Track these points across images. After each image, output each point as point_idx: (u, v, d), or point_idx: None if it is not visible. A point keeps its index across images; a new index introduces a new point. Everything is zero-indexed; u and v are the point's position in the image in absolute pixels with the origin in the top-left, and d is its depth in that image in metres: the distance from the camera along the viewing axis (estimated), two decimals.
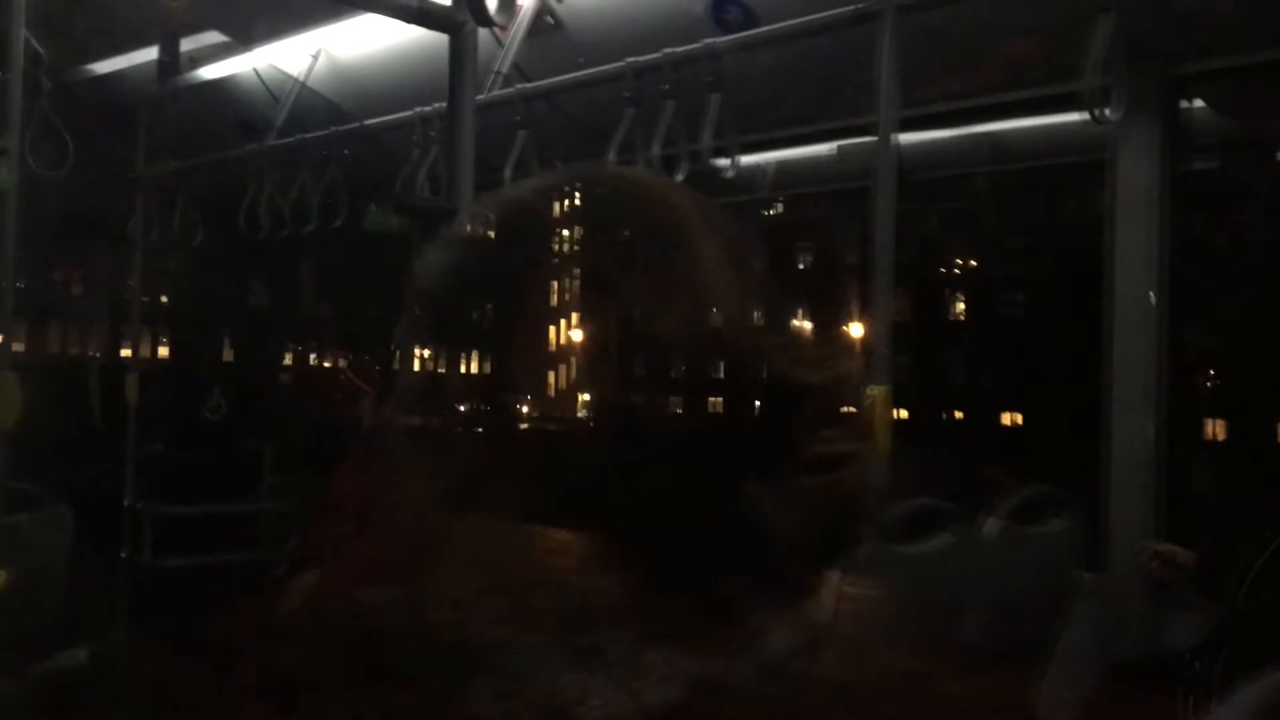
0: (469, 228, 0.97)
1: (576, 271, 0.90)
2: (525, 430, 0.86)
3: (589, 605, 0.74)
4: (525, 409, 0.86)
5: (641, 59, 4.49)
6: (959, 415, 11.09)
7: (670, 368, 0.86)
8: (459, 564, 0.78)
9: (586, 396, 0.85)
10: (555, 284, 0.88)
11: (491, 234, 0.94)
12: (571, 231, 0.91)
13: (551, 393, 0.86)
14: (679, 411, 0.85)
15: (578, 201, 0.91)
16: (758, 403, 0.86)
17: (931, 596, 3.73)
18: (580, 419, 0.86)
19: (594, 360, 0.87)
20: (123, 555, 5.53)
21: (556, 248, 0.90)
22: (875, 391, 3.71)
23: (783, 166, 6.43)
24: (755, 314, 0.88)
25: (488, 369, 0.88)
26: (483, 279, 0.90)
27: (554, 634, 0.73)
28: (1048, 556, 4.16)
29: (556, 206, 0.90)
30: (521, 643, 0.73)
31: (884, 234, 3.83)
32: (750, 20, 4.38)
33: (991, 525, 4.02)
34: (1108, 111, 3.63)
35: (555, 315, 0.92)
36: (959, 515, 3.95)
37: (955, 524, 3.91)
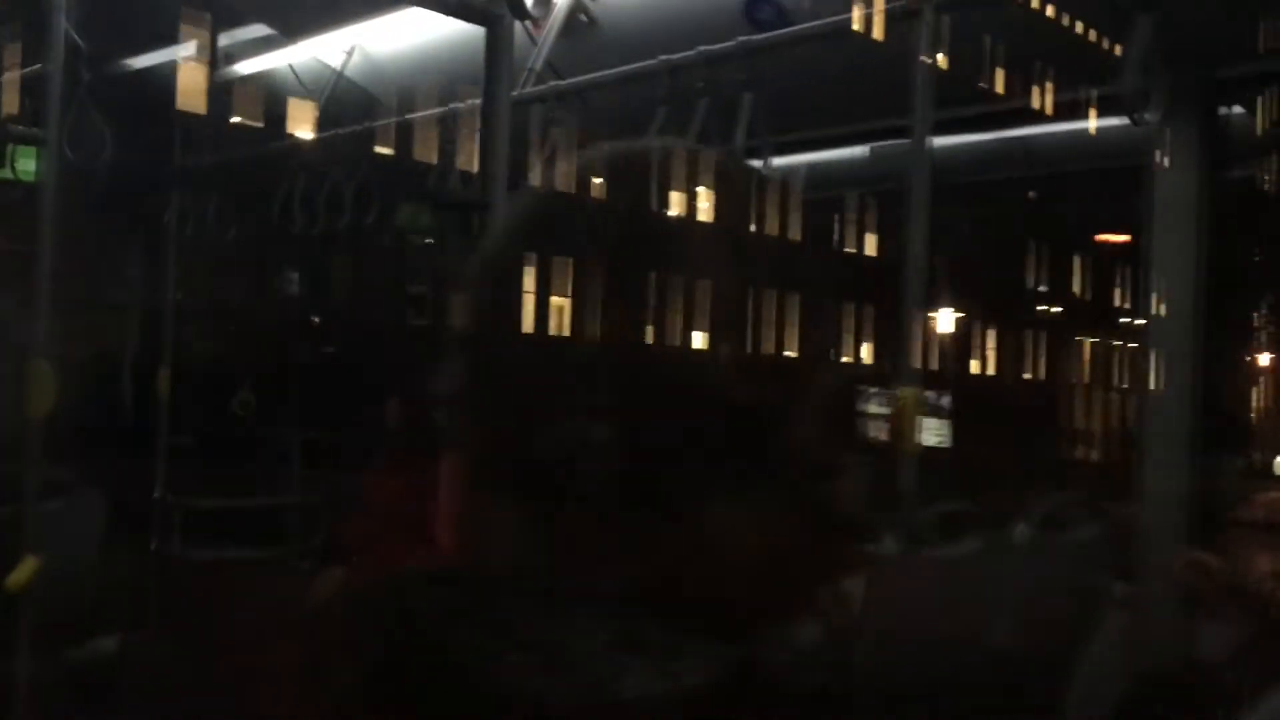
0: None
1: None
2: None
3: (625, 587, 0.73)
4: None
5: (675, 57, 4.48)
6: None
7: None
8: (489, 545, 0.78)
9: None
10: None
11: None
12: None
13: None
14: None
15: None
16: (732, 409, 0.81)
17: (960, 601, 3.71)
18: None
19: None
20: (151, 547, 5.57)
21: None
22: (905, 394, 3.70)
23: (814, 168, 6.41)
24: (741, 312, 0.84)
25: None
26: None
27: (591, 614, 0.72)
28: (1078, 564, 4.12)
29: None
30: (559, 622, 0.72)
31: (917, 237, 3.81)
32: (784, 19, 4.37)
33: (1022, 531, 3.98)
34: (1147, 115, 3.59)
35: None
36: (990, 520, 3.92)
37: (986, 529, 3.88)
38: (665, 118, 4.49)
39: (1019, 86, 4.45)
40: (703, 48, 4.40)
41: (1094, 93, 4.16)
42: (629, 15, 4.92)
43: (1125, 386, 6.19)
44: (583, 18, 4.93)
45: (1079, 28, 3.96)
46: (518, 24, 3.94)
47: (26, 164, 3.75)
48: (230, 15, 5.48)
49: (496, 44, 3.70)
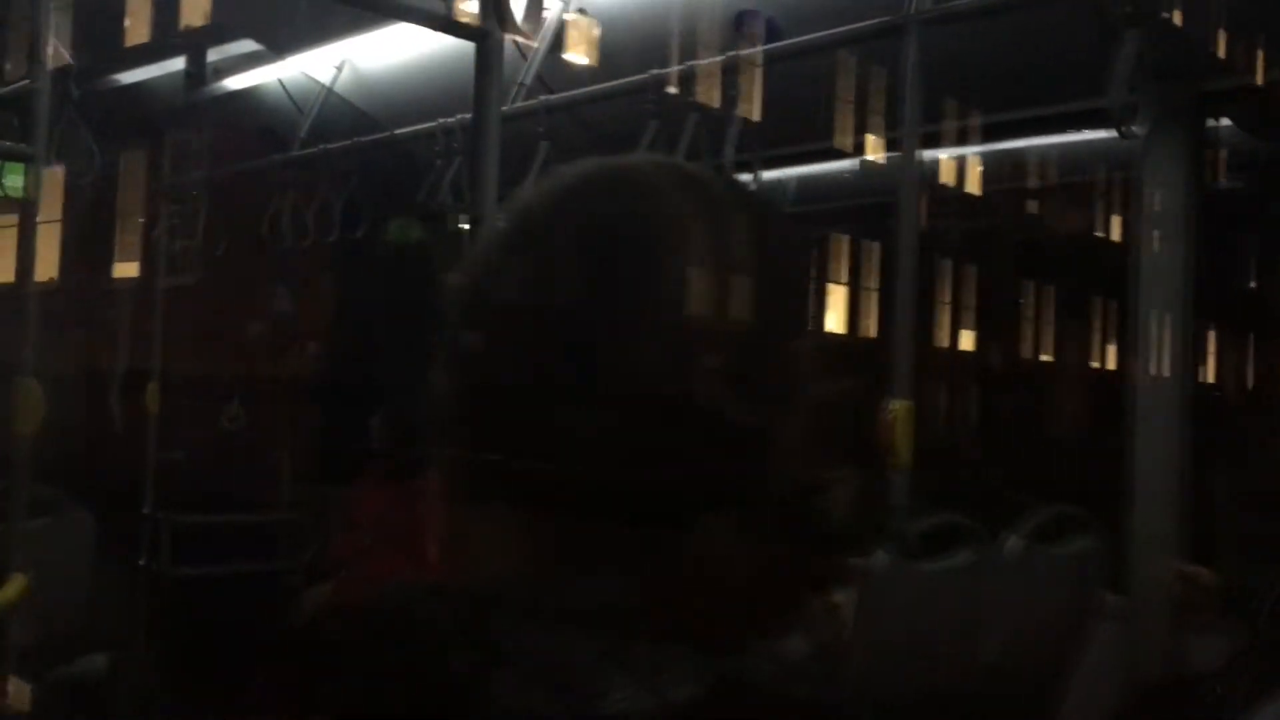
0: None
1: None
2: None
3: (611, 600, 0.73)
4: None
5: (665, 71, 4.49)
6: None
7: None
8: (475, 559, 0.77)
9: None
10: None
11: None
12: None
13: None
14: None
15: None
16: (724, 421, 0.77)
17: (952, 614, 3.70)
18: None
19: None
20: (140, 563, 5.54)
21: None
22: (897, 407, 3.70)
23: (804, 182, 6.43)
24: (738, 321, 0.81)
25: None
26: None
27: (577, 629, 0.72)
28: (1070, 577, 4.12)
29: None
30: (543, 637, 0.71)
31: (908, 250, 3.81)
32: (774, 33, 4.38)
33: (1013, 544, 3.98)
34: (1135, 128, 3.60)
35: None
36: (981, 533, 3.92)
37: (977, 541, 3.88)
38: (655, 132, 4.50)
39: None
40: (693, 62, 4.42)
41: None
42: (618, 30, 4.93)
43: None
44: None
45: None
46: (507, 39, 3.94)
47: (14, 180, 3.74)
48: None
49: (486, 58, 3.70)
